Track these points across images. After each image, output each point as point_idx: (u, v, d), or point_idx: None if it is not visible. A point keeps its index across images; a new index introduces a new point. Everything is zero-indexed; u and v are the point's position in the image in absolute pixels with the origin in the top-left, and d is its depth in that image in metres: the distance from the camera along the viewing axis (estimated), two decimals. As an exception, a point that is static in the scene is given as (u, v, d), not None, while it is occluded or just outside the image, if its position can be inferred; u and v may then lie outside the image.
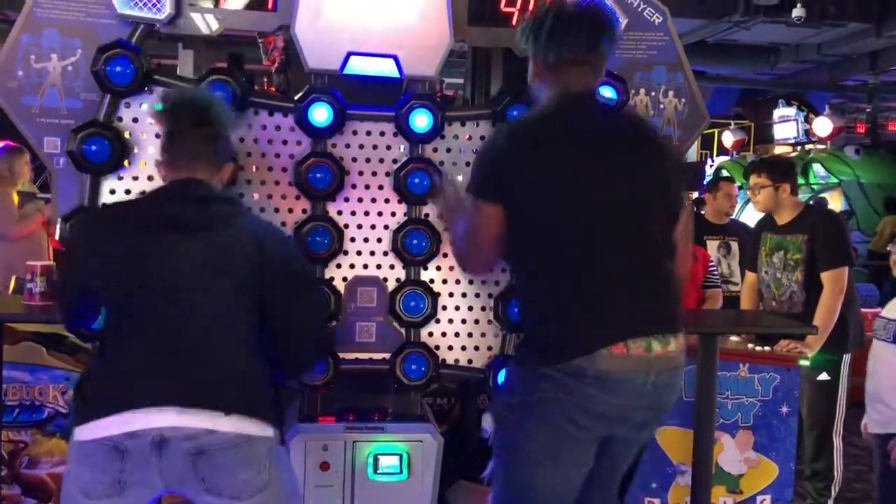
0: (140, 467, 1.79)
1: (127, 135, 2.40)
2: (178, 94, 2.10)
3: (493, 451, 2.11)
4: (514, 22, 2.56)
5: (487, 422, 2.11)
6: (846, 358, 3.67)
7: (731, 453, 3.10)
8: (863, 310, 3.94)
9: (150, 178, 2.41)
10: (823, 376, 3.63)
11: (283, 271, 1.97)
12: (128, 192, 2.42)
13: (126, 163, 2.41)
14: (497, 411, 2.09)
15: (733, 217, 5.00)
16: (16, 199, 4.80)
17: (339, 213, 2.54)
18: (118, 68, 2.32)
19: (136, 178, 2.43)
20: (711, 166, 13.14)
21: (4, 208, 4.77)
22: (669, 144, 2.17)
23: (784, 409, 3.11)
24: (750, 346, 3.22)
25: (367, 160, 2.55)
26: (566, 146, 2.00)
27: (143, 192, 2.38)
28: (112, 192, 2.42)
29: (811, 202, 9.34)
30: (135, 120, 2.41)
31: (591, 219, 1.98)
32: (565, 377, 1.94)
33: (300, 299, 2.01)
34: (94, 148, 2.34)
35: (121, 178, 2.42)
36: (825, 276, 3.54)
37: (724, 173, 10.74)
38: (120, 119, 2.41)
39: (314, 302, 2.17)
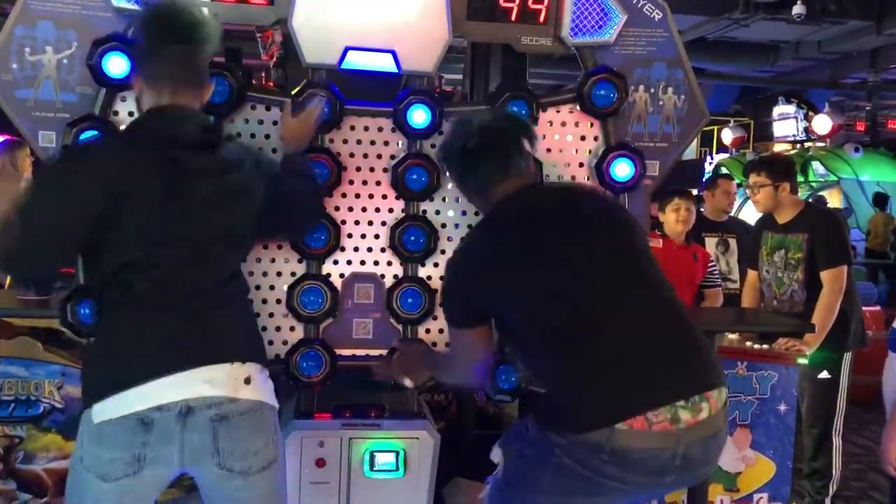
0: (162, 441, 1.79)
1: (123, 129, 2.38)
2: (158, 5, 1.93)
3: (495, 478, 2.01)
4: (512, 17, 2.54)
5: (497, 455, 2.04)
6: (847, 356, 3.66)
7: (728, 451, 3.09)
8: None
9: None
10: (824, 374, 3.63)
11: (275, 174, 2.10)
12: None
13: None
14: (508, 452, 1.98)
15: (732, 214, 4.99)
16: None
17: (337, 208, 2.52)
18: (114, 62, 2.30)
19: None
20: (711, 164, 13.15)
21: (6, 199, 4.81)
22: (623, 207, 2.20)
23: (782, 408, 3.10)
24: (748, 344, 3.21)
25: (365, 156, 2.53)
26: (523, 239, 1.95)
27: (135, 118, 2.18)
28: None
29: (810, 200, 9.35)
30: (131, 114, 2.39)
31: (584, 299, 1.88)
32: (581, 451, 1.80)
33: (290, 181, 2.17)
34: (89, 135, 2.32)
35: (117, 173, 2.40)
36: (825, 275, 3.53)
37: (723, 171, 10.75)
38: (116, 113, 2.39)
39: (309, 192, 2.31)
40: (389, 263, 2.56)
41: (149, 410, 1.78)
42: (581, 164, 2.62)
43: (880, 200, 10.34)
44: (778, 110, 13.24)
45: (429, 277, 2.56)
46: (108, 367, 1.86)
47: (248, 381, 1.88)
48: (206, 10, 2.26)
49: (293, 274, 2.50)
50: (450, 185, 2.56)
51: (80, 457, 1.83)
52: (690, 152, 14.40)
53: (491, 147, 2.05)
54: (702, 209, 4.91)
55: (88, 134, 2.30)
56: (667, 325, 1.91)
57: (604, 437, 1.77)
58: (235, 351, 1.89)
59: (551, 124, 2.61)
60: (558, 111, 2.61)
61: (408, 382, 2.38)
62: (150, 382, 1.79)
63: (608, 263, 1.93)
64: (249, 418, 1.87)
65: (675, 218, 4.06)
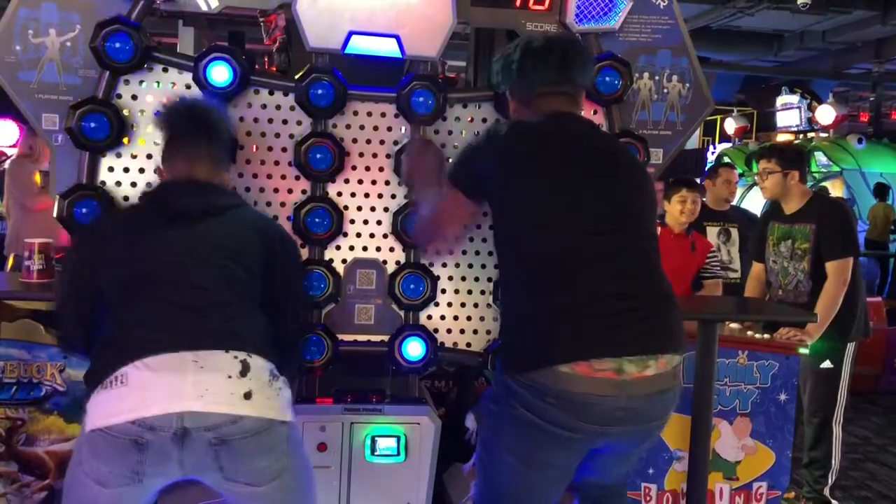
0: (160, 460, 1.76)
1: (126, 112, 2.38)
2: (176, 101, 2.14)
3: (476, 449, 2.13)
4: (517, 2, 2.53)
5: (471, 421, 2.12)
6: (850, 346, 3.67)
7: (728, 440, 3.10)
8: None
9: (148, 156, 2.39)
10: (827, 364, 3.63)
11: (283, 258, 2.10)
12: (126, 170, 2.41)
13: (125, 140, 2.39)
14: (480, 415, 2.11)
15: (734, 204, 4.98)
16: (38, 177, 5.27)
17: (339, 194, 2.52)
18: (117, 45, 2.29)
19: (134, 156, 2.41)
20: (713, 153, 13.12)
21: (25, 180, 5.44)
22: (645, 168, 2.19)
23: (782, 397, 3.11)
24: (749, 333, 3.21)
25: (368, 141, 2.53)
26: (552, 158, 2.01)
27: (141, 171, 2.39)
28: (111, 169, 2.40)
29: (815, 188, 9.33)
30: (134, 97, 2.39)
31: (571, 233, 1.95)
32: (530, 395, 1.90)
33: (296, 275, 2.21)
34: (92, 125, 2.32)
35: (119, 156, 2.40)
36: (830, 266, 3.53)
37: (726, 160, 10.72)
38: (119, 96, 2.39)
39: (301, 276, 2.35)
40: (392, 249, 2.55)
41: (139, 430, 1.72)
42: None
43: (881, 191, 10.33)
44: (781, 100, 13.19)
45: (431, 264, 2.56)
46: (101, 353, 1.89)
47: (248, 395, 1.79)
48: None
49: (296, 259, 2.50)
50: (453, 172, 2.56)
51: (79, 461, 1.81)
52: (693, 141, 14.37)
53: (554, 50, 2.10)
54: (704, 198, 4.91)
55: (92, 119, 2.31)
56: (640, 288, 1.96)
57: (549, 379, 1.85)
58: (233, 339, 1.84)
59: (555, 111, 2.60)
60: (562, 98, 2.60)
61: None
62: (136, 387, 1.75)
63: (608, 216, 1.98)
64: (255, 440, 1.79)
65: (679, 209, 4.05)
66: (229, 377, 1.79)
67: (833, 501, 3.74)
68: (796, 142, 11.78)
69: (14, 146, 7.01)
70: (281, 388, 1.89)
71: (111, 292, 1.94)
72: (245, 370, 1.81)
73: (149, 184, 2.37)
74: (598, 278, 1.92)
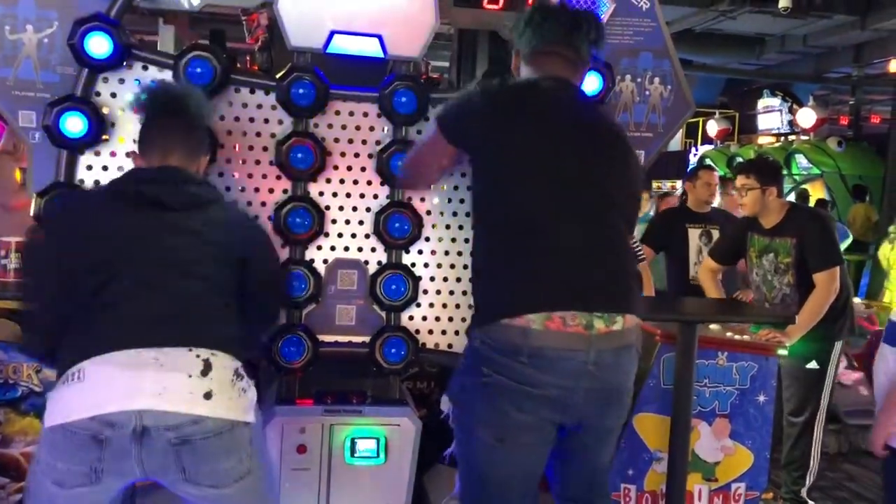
0: (119, 458, 1.73)
1: (105, 110, 2.36)
2: (155, 84, 2.08)
3: (454, 431, 2.10)
4: (499, 4, 2.53)
5: (445, 403, 2.10)
6: (837, 346, 3.70)
7: (707, 441, 3.12)
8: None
9: (128, 154, 2.37)
10: (812, 365, 3.66)
11: (257, 257, 2.04)
12: (105, 168, 2.38)
13: (104, 138, 2.37)
14: (452, 393, 2.08)
15: (715, 206, 5.01)
16: (18, 174, 5.20)
17: (321, 194, 2.51)
18: (96, 42, 2.27)
19: (113, 154, 2.39)
20: (695, 155, 13.20)
21: (5, 178, 5.22)
22: (632, 148, 2.19)
23: (761, 398, 3.12)
24: (729, 334, 3.23)
25: (350, 141, 2.52)
26: (540, 119, 2.02)
27: (120, 169, 2.35)
28: (89, 167, 2.37)
29: (795, 191, 9.42)
30: (113, 95, 2.37)
31: (549, 192, 1.98)
32: (501, 356, 1.92)
33: (267, 268, 2.12)
34: (70, 123, 2.29)
35: (98, 154, 2.38)
36: (818, 278, 3.54)
37: (708, 162, 10.79)
38: (98, 94, 2.36)
39: (276, 267, 2.27)
40: (374, 250, 2.55)
41: (99, 427, 1.69)
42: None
43: (860, 192, 10.44)
44: (763, 103, 13.31)
45: (413, 264, 2.56)
46: (64, 348, 1.85)
47: (208, 396, 1.76)
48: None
49: (276, 259, 2.49)
50: (435, 173, 2.55)
51: (37, 460, 1.79)
52: (675, 144, 14.46)
53: (566, 13, 2.13)
54: (685, 201, 4.93)
55: (69, 115, 2.28)
56: (608, 254, 2.01)
57: (520, 337, 1.89)
58: (198, 337, 1.81)
59: (537, 113, 2.60)
60: (544, 99, 2.60)
61: None
62: (95, 382, 1.72)
63: (586, 182, 2.01)
64: (216, 441, 1.76)
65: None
66: (189, 376, 1.76)
67: (810, 502, 3.77)
68: (777, 144, 11.89)
69: None
70: (245, 388, 1.86)
71: (80, 276, 1.84)
72: (207, 370, 1.78)
73: (120, 168, 2.34)
74: (570, 237, 1.96)
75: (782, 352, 3.29)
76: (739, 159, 10.41)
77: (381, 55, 2.47)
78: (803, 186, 10.22)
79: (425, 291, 2.57)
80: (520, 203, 1.98)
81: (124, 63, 2.35)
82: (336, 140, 2.51)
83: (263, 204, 2.47)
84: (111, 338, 1.76)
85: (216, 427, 1.76)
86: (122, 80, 2.37)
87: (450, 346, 2.60)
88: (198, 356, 1.78)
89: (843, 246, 6.74)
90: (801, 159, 11.02)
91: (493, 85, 2.16)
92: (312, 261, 2.51)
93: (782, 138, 12.45)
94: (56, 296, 1.87)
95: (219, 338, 1.85)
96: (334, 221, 2.52)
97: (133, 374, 1.73)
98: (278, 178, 2.48)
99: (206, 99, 2.11)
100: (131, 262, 1.84)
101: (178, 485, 1.80)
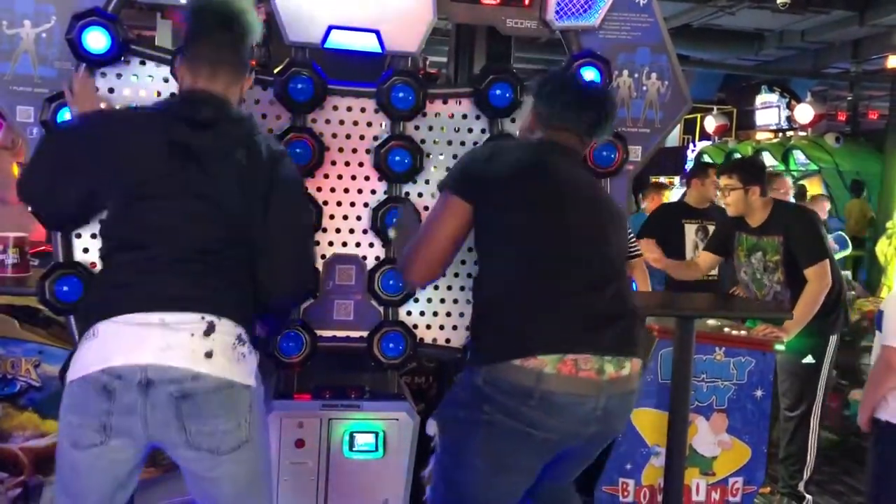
0: (126, 412, 1.78)
1: (103, 105, 2.35)
2: None
3: (435, 454, 2.10)
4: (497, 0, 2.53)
5: (432, 427, 2.10)
6: (832, 340, 3.71)
7: (705, 436, 3.13)
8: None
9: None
10: (808, 359, 3.67)
11: (288, 198, 1.99)
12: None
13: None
14: (442, 421, 2.08)
15: (713, 202, 5.02)
16: (15, 169, 5.23)
17: (319, 189, 2.51)
18: (93, 37, 2.27)
19: (111, 150, 2.38)
20: (693, 151, 13.20)
21: (2, 174, 5.24)
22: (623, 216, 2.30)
23: (758, 393, 3.14)
24: (726, 330, 3.24)
25: (348, 136, 2.52)
26: (541, 177, 2.06)
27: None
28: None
29: (793, 186, 9.42)
30: (111, 90, 2.36)
31: (560, 238, 2.01)
32: (507, 399, 1.91)
33: (296, 228, 2.03)
34: (68, 119, 2.29)
35: (96, 150, 2.37)
36: (810, 273, 3.56)
37: (706, 158, 10.79)
38: (96, 89, 2.36)
39: (307, 234, 2.18)
40: (371, 245, 2.55)
41: (109, 378, 1.77)
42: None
43: (857, 187, 10.44)
44: (761, 99, 13.28)
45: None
46: (83, 309, 1.95)
47: (209, 355, 1.81)
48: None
49: (274, 254, 2.49)
50: (433, 168, 2.56)
51: (61, 420, 1.86)
52: (673, 140, 14.45)
53: (593, 107, 2.14)
54: (683, 196, 4.93)
55: (66, 110, 2.27)
56: (613, 296, 2.02)
57: (532, 380, 1.88)
58: (204, 303, 1.83)
59: (535, 108, 2.60)
60: (542, 95, 2.61)
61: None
62: (106, 338, 1.80)
63: (585, 232, 2.05)
64: (216, 397, 1.81)
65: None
66: (192, 335, 1.81)
67: (807, 496, 3.79)
68: (775, 140, 11.89)
69: None
70: (245, 353, 1.89)
71: (112, 197, 1.89)
72: (210, 330, 1.83)
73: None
74: (578, 280, 1.99)
75: (779, 347, 3.30)
76: (737, 155, 10.43)
77: (379, 50, 2.47)
78: (801, 182, 10.21)
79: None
80: (531, 248, 2.00)
81: (122, 58, 2.34)
82: (334, 135, 2.51)
83: (261, 199, 2.46)
84: (123, 302, 1.83)
85: (216, 384, 1.81)
86: (119, 75, 2.37)
87: (447, 340, 2.61)
88: (203, 318, 1.83)
89: (844, 254, 6.73)
90: (798, 155, 11.01)
91: (498, 144, 2.22)
92: (310, 256, 2.51)
93: (780, 134, 12.44)
94: (66, 190, 1.92)
95: (225, 305, 1.87)
96: (332, 217, 2.53)
97: (140, 331, 1.80)
98: (276, 173, 2.47)
99: (255, 14, 2.06)
100: (156, 209, 1.86)
101: (179, 450, 1.83)
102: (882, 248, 6.94)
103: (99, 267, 1.99)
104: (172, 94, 2.05)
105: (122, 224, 1.90)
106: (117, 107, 2.33)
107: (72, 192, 1.93)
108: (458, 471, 2.03)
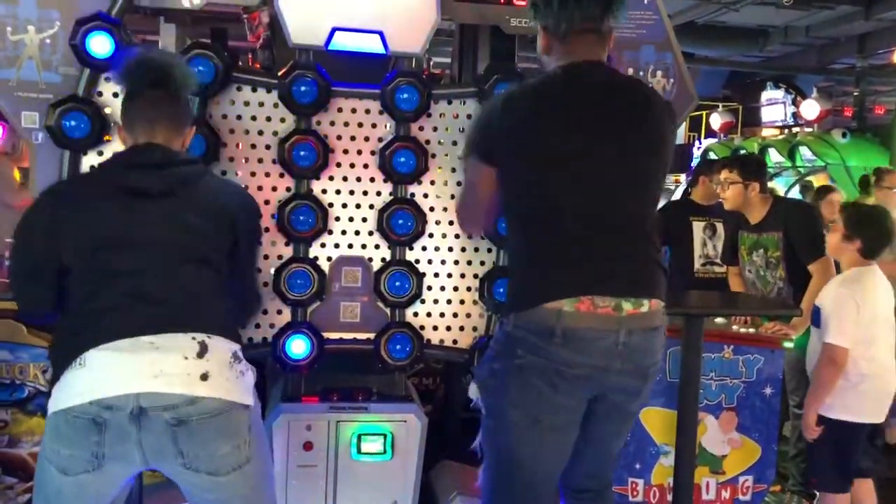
0: (119, 441, 1.74)
1: (107, 110, 2.36)
2: (136, 54, 1.99)
3: (481, 419, 2.10)
4: (501, -1, 2.52)
5: (473, 390, 2.10)
6: None
7: (714, 434, 3.11)
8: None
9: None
10: None
11: (245, 233, 2.00)
12: (108, 168, 2.38)
13: (107, 138, 2.37)
14: (481, 379, 2.08)
15: (721, 199, 4.99)
16: (17, 174, 5.45)
17: (324, 191, 2.51)
18: (97, 42, 2.27)
19: (116, 155, 2.39)
20: (699, 148, 13.15)
21: (5, 178, 5.46)
22: (669, 109, 2.13)
23: (768, 391, 3.12)
24: (735, 327, 3.22)
25: (353, 138, 2.52)
26: (564, 108, 2.00)
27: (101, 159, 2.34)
28: (92, 168, 2.37)
29: (800, 182, 9.38)
30: (115, 95, 2.36)
31: (577, 183, 1.99)
32: (536, 338, 1.95)
33: (251, 258, 2.09)
34: (73, 123, 2.30)
35: (101, 154, 2.38)
36: (813, 268, 3.54)
37: (712, 155, 10.74)
38: (100, 94, 2.36)
39: (253, 263, 2.21)
40: (377, 247, 2.55)
41: (98, 409, 1.72)
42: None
43: (865, 183, 10.39)
44: (766, 95, 13.25)
45: (416, 261, 2.55)
46: (64, 337, 1.87)
47: (205, 377, 1.77)
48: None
49: (280, 257, 2.49)
50: (438, 169, 2.55)
51: (42, 449, 1.81)
52: (679, 137, 14.40)
53: None
54: (689, 193, 4.91)
55: (72, 118, 2.28)
56: (635, 240, 2.04)
57: (553, 319, 1.93)
58: (193, 322, 1.81)
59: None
60: (547, 94, 2.59)
61: None
62: (94, 368, 1.75)
63: (616, 166, 2.01)
64: (214, 422, 1.77)
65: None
66: (185, 358, 1.77)
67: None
68: (781, 137, 11.84)
69: None
70: (242, 371, 1.87)
71: (74, 260, 1.86)
72: (203, 351, 1.79)
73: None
74: (596, 226, 1.99)
75: (788, 344, 3.28)
76: (743, 152, 10.38)
77: (383, 51, 2.47)
78: (808, 178, 10.17)
79: (429, 287, 2.56)
80: (548, 195, 1.99)
81: (126, 62, 2.34)
82: (339, 137, 2.51)
83: (267, 202, 2.46)
84: (111, 328, 1.78)
85: (213, 408, 1.77)
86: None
87: (454, 341, 2.60)
88: (193, 338, 1.80)
89: None
90: (805, 151, 10.96)
91: (513, 88, 2.12)
92: (316, 258, 2.51)
93: (786, 130, 12.39)
94: (44, 266, 1.89)
95: (215, 321, 1.86)
96: (338, 219, 2.52)
97: (131, 358, 1.75)
98: (281, 176, 2.48)
99: (189, 67, 2.08)
100: (123, 250, 1.84)
101: (177, 472, 1.81)
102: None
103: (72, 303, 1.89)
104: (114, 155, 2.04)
105: (98, 258, 1.85)
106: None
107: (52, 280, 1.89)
108: (499, 434, 2.04)
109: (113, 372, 1.74)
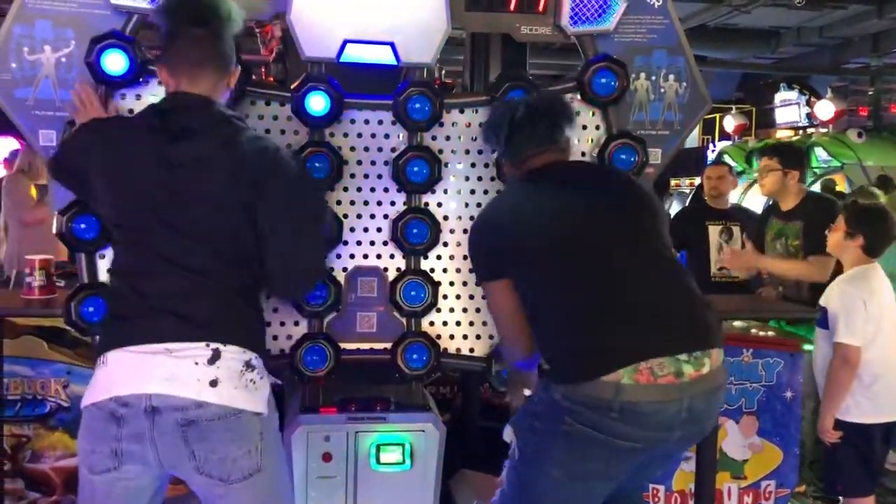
0: (135, 438, 1.78)
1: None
2: None
3: (510, 459, 2.06)
4: (511, 6, 2.53)
5: (509, 434, 2.07)
6: None
7: (735, 439, 3.09)
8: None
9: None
10: None
11: (284, 199, 1.89)
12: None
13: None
14: (520, 430, 2.03)
15: (735, 203, 4.99)
16: (34, 191, 5.56)
17: (338, 202, 2.52)
18: (112, 59, 2.29)
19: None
20: (713, 151, 13.09)
21: (21, 195, 5.60)
22: (645, 191, 2.26)
23: (788, 394, 3.10)
24: (754, 331, 3.20)
25: (366, 149, 2.53)
26: (544, 197, 2.07)
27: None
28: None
29: (821, 182, 9.33)
30: (130, 111, 2.39)
31: (591, 253, 1.99)
32: (590, 412, 1.86)
33: (298, 236, 1.93)
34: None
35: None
36: (813, 258, 3.53)
37: (727, 158, 10.70)
38: (116, 111, 2.38)
39: (313, 240, 2.04)
40: (392, 256, 2.55)
41: (116, 406, 1.77)
42: (583, 154, 2.60)
43: (884, 182, 10.29)
44: (780, 97, 13.16)
45: (432, 270, 2.56)
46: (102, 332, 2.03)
47: (214, 383, 1.78)
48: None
49: (296, 269, 2.50)
50: (452, 178, 2.56)
51: (78, 450, 1.88)
52: (692, 140, 14.35)
53: (539, 116, 2.14)
54: (704, 197, 4.89)
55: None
56: (672, 289, 1.99)
57: (611, 392, 1.83)
58: (209, 330, 1.81)
59: (552, 114, 2.59)
60: (559, 101, 2.60)
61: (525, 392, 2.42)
62: (114, 367, 1.82)
63: (625, 229, 2.04)
64: (222, 424, 1.78)
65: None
66: (196, 364, 1.79)
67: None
68: (796, 138, 11.76)
69: (4, 165, 7.16)
70: (255, 380, 1.85)
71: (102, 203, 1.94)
72: (215, 358, 1.80)
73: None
74: (633, 289, 1.95)
75: (808, 347, 3.26)
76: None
77: (395, 62, 2.48)
78: (828, 177, 10.09)
79: (445, 296, 2.56)
80: (573, 290, 1.97)
81: (141, 79, 2.36)
82: (352, 148, 2.52)
83: (282, 214, 2.47)
84: (130, 333, 1.84)
85: (221, 413, 1.79)
86: (138, 97, 2.39)
87: (471, 350, 2.60)
88: (207, 345, 1.81)
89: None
90: (820, 152, 10.88)
91: (484, 211, 2.24)
92: (332, 269, 2.51)
93: (801, 132, 12.31)
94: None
95: (229, 330, 1.85)
96: (353, 229, 2.53)
97: (146, 359, 1.80)
98: (296, 187, 2.48)
99: (234, 3, 1.93)
100: (153, 226, 1.84)
101: (192, 477, 1.83)
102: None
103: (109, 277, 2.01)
104: (151, 105, 1.97)
105: (122, 247, 1.93)
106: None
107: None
108: (533, 483, 1.98)
109: (130, 371, 1.80)
